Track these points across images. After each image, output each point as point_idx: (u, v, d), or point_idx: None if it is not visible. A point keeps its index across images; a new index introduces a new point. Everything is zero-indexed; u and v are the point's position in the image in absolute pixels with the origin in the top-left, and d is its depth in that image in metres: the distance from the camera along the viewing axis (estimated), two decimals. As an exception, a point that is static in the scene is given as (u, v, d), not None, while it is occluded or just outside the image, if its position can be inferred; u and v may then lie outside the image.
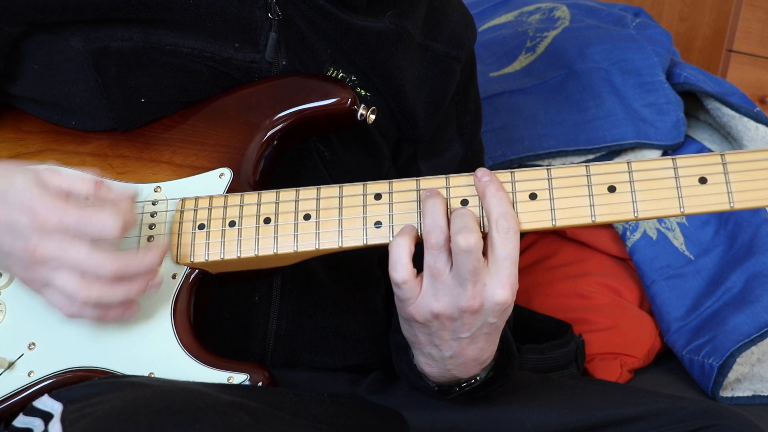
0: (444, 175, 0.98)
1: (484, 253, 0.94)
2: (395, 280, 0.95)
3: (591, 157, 1.84)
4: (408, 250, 0.95)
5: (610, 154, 1.84)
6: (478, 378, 1.04)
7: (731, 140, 1.89)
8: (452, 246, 0.92)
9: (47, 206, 0.90)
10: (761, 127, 1.83)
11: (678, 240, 1.81)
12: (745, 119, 1.83)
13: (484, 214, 0.95)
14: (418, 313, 0.96)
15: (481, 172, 0.96)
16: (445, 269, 0.93)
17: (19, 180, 0.92)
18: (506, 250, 0.93)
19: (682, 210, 0.93)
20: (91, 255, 0.90)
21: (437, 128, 1.26)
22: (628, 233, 1.80)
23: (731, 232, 1.81)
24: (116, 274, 0.91)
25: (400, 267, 0.94)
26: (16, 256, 0.92)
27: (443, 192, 0.97)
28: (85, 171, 0.98)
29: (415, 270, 0.95)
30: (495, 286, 0.93)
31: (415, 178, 0.99)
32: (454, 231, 0.93)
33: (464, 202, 0.97)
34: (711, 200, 0.92)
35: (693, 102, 1.93)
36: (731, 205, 0.91)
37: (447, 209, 0.96)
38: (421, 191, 0.98)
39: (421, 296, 0.95)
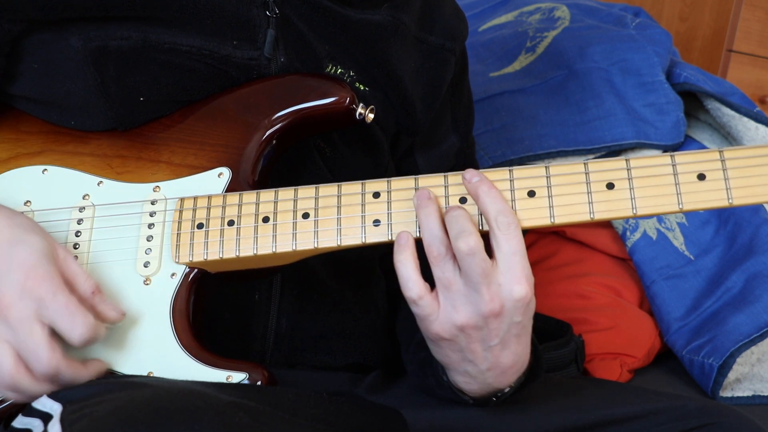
0: (442, 174, 0.98)
1: (492, 255, 0.93)
2: (410, 298, 0.93)
3: (591, 157, 1.84)
4: (413, 265, 0.94)
5: (610, 154, 1.84)
6: (512, 384, 1.02)
7: (731, 140, 1.89)
8: (455, 252, 0.91)
9: (41, 278, 0.90)
10: (761, 127, 1.83)
11: (678, 240, 1.81)
12: (745, 119, 1.83)
13: (481, 214, 0.95)
14: (443, 329, 0.94)
15: (470, 173, 0.95)
16: (455, 277, 0.92)
17: (38, 240, 0.93)
18: (512, 246, 0.92)
19: (680, 207, 0.92)
20: (38, 345, 0.89)
21: (433, 120, 1.26)
22: (628, 233, 1.80)
23: (731, 232, 1.81)
24: (47, 376, 0.90)
25: (411, 284, 0.93)
26: None
27: (441, 191, 0.97)
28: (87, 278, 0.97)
29: (428, 285, 0.94)
30: (511, 283, 0.91)
31: (414, 177, 0.99)
32: (453, 236, 0.92)
33: (463, 200, 0.96)
34: (710, 197, 0.92)
35: (693, 102, 1.93)
36: (730, 201, 0.91)
37: (441, 215, 0.95)
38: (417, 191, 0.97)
39: (441, 311, 0.93)
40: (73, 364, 0.92)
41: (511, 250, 0.92)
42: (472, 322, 0.92)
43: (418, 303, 0.94)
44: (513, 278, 0.92)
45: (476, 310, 0.92)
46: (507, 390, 1.02)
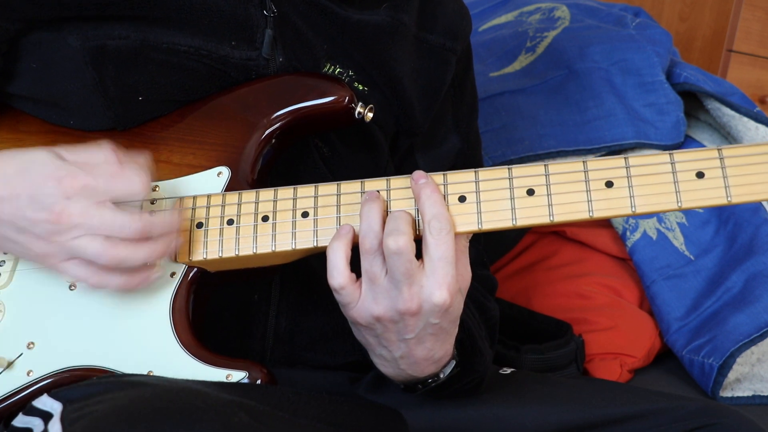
0: (441, 172, 0.98)
1: (421, 256, 0.94)
2: (333, 286, 0.96)
3: (591, 157, 1.83)
4: (344, 255, 0.95)
5: (610, 154, 1.84)
6: (440, 375, 1.04)
7: (731, 140, 1.89)
8: (384, 249, 0.93)
9: (72, 173, 0.93)
10: (761, 127, 1.83)
11: (678, 240, 1.81)
12: (745, 119, 1.83)
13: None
14: (360, 317, 0.97)
15: (418, 174, 0.97)
16: (381, 273, 0.94)
17: (41, 154, 0.95)
18: (440, 251, 0.93)
19: (679, 204, 0.92)
20: (115, 216, 0.92)
21: (433, 121, 1.26)
22: (628, 233, 1.80)
23: (731, 232, 1.81)
24: (141, 232, 0.93)
25: (336, 273, 0.95)
26: (38, 228, 0.93)
27: (441, 189, 0.97)
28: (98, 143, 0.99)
29: (353, 275, 0.96)
30: (432, 287, 0.93)
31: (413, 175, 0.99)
32: (386, 234, 0.93)
33: (462, 199, 0.96)
34: (708, 194, 0.92)
35: (693, 102, 1.93)
36: (729, 199, 0.91)
37: (384, 213, 0.96)
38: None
39: (361, 300, 0.96)
40: (151, 213, 0.95)
41: (439, 255, 0.93)
42: (388, 316, 0.95)
43: (339, 292, 0.96)
44: (435, 283, 0.93)
45: (393, 306, 0.94)
46: (431, 381, 1.04)
